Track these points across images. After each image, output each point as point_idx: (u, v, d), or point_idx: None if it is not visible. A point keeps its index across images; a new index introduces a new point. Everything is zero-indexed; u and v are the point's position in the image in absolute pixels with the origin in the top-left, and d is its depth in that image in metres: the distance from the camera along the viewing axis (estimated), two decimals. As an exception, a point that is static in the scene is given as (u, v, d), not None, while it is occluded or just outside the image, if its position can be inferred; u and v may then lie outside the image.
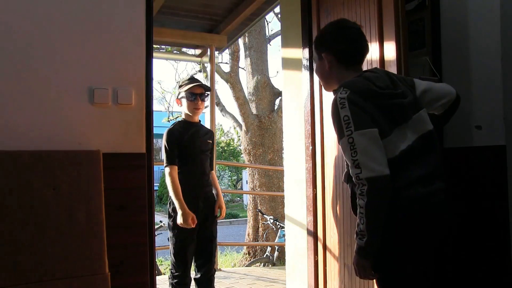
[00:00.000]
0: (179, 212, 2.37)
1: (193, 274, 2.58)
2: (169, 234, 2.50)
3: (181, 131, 2.50)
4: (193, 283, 2.57)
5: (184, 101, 2.53)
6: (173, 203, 2.46)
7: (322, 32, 1.72)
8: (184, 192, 2.44)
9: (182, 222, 2.36)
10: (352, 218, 2.21)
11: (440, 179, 1.47)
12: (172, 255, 2.47)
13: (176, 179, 2.40)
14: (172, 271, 2.47)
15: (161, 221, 4.87)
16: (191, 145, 2.51)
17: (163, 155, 2.47)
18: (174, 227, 2.44)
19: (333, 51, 1.62)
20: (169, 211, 2.49)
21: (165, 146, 2.45)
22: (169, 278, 2.50)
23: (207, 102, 2.77)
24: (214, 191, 2.76)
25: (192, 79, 2.62)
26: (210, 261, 2.56)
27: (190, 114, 2.54)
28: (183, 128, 2.52)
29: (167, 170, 2.42)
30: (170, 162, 2.44)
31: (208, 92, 2.59)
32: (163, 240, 2.59)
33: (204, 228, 2.53)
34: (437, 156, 1.50)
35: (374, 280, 1.56)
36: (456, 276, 2.15)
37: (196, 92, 2.51)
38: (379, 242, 1.39)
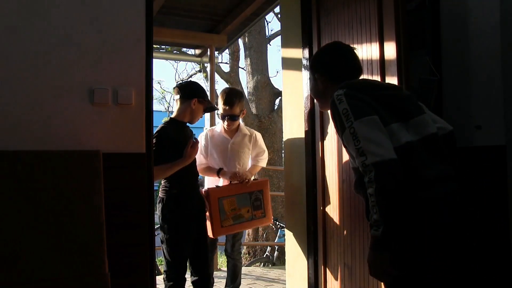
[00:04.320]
0: (184, 161, 2.38)
1: (191, 277, 2.56)
2: (162, 236, 2.43)
3: (172, 131, 2.48)
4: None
5: (199, 106, 2.53)
6: (167, 205, 2.41)
7: (315, 54, 1.79)
8: (179, 193, 2.41)
9: (190, 154, 2.40)
10: (352, 218, 2.21)
11: (453, 180, 1.46)
12: (165, 257, 2.44)
13: (160, 173, 2.33)
14: (167, 273, 2.44)
15: (161, 221, 4.87)
16: (183, 145, 2.46)
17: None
18: (169, 229, 2.40)
19: (326, 71, 1.68)
20: (163, 213, 2.42)
21: (153, 144, 2.38)
22: (164, 280, 2.46)
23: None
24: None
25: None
26: (206, 263, 2.54)
27: (193, 118, 2.55)
28: (174, 129, 2.50)
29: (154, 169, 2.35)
30: (156, 163, 2.22)
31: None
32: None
33: (198, 229, 2.50)
34: (446, 158, 1.49)
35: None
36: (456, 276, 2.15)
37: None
38: (395, 232, 1.33)
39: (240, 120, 3.07)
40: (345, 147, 1.53)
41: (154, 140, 2.34)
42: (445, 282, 1.44)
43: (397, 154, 1.36)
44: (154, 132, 2.39)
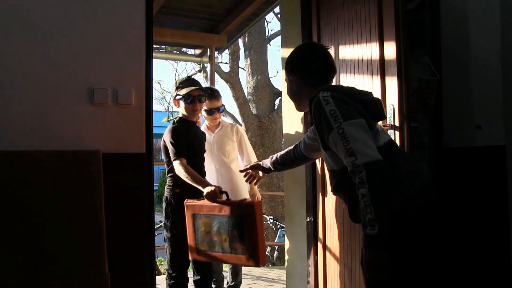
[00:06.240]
0: (207, 190, 2.19)
1: (194, 276, 2.57)
2: (165, 234, 2.47)
3: (183, 130, 2.49)
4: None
5: (181, 102, 2.52)
6: (170, 204, 2.44)
7: (289, 56, 1.78)
8: (181, 192, 2.42)
9: (210, 195, 2.19)
10: (352, 218, 2.21)
11: (423, 173, 1.60)
12: (169, 255, 2.46)
13: (189, 167, 2.32)
14: (169, 271, 2.46)
15: (161, 221, 4.86)
16: (194, 144, 2.50)
17: (169, 151, 2.38)
18: (171, 227, 2.42)
19: (298, 73, 1.70)
20: (166, 211, 2.45)
21: (170, 142, 2.38)
22: (166, 279, 2.50)
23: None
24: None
25: (189, 80, 2.61)
26: (209, 262, 2.55)
27: (189, 115, 2.54)
28: (184, 128, 2.51)
29: (177, 162, 2.31)
30: (179, 155, 2.33)
31: (205, 94, 2.59)
32: (163, 240, 2.59)
33: None
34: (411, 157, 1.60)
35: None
36: (456, 276, 2.15)
37: (194, 94, 2.49)
38: (389, 230, 1.34)
39: (222, 117, 3.18)
40: (324, 148, 1.55)
41: (171, 137, 2.40)
42: (434, 278, 1.49)
43: (382, 151, 1.42)
44: (168, 130, 2.46)
